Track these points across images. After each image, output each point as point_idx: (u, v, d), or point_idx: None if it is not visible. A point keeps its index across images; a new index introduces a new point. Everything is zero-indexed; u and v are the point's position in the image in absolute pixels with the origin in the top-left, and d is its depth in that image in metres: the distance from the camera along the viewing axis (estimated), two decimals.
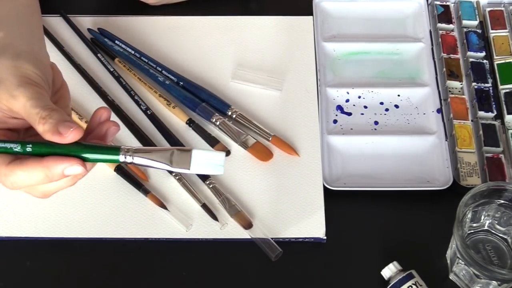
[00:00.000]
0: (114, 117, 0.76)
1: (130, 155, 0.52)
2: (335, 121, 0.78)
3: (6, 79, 0.53)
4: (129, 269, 0.69)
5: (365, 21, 0.86)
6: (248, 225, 0.69)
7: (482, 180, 0.73)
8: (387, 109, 0.79)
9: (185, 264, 0.69)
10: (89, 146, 0.52)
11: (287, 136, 0.76)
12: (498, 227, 0.68)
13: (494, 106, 0.78)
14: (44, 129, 0.51)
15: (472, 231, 0.68)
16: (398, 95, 0.80)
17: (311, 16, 0.85)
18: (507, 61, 0.81)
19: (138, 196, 0.72)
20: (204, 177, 0.73)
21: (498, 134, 0.76)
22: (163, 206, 0.71)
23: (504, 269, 0.62)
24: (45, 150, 0.51)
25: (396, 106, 0.79)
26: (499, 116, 0.77)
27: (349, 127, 0.78)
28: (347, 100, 0.79)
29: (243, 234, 0.69)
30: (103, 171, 0.73)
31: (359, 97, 0.79)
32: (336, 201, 0.72)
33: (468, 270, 0.64)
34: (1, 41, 0.57)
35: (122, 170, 0.73)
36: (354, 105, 0.79)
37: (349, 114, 0.79)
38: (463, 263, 0.64)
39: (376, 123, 0.78)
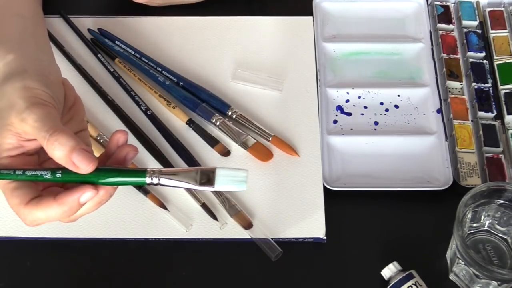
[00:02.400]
0: (114, 117, 0.76)
1: (156, 177, 0.53)
2: (335, 121, 0.78)
3: (16, 103, 0.53)
4: (129, 269, 0.69)
5: (365, 21, 0.86)
6: (248, 225, 0.69)
7: (482, 180, 0.73)
8: (387, 109, 0.79)
9: (185, 264, 0.69)
10: (116, 170, 0.53)
11: (287, 136, 0.76)
12: (498, 227, 0.68)
13: (494, 106, 0.78)
14: (54, 156, 0.51)
15: (472, 231, 0.68)
16: (398, 95, 0.80)
17: (311, 17, 0.85)
18: (507, 61, 0.81)
19: (138, 196, 0.72)
20: None
21: (498, 134, 0.76)
22: (163, 206, 0.71)
23: (504, 269, 0.62)
24: (74, 177, 0.52)
25: (396, 106, 0.79)
26: (499, 116, 0.77)
27: (349, 127, 0.78)
28: (347, 100, 0.79)
29: (243, 234, 0.69)
30: None
31: (359, 97, 0.79)
32: (336, 201, 0.72)
33: (468, 270, 0.64)
34: (11, 64, 0.57)
35: None
36: (354, 105, 0.79)
37: (349, 114, 0.79)
38: (463, 263, 0.64)
39: (376, 123, 0.78)
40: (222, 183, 0.53)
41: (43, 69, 0.58)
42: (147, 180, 0.53)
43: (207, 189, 0.53)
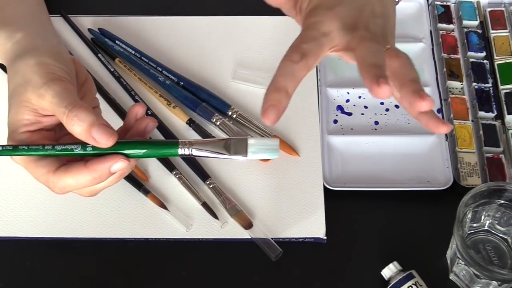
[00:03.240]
0: (114, 117, 0.76)
1: (188, 148, 0.53)
2: (335, 121, 0.78)
3: (32, 79, 0.54)
4: (129, 269, 0.69)
5: None
6: (248, 225, 0.69)
7: (482, 180, 0.73)
8: (387, 109, 0.79)
9: (185, 264, 0.69)
10: (148, 142, 0.53)
11: (287, 136, 0.76)
12: (498, 227, 0.68)
13: (494, 106, 0.78)
14: (74, 131, 0.52)
15: (472, 231, 0.68)
16: None
17: None
18: (508, 61, 0.81)
19: (138, 196, 0.72)
20: (204, 177, 0.73)
21: (498, 134, 0.76)
22: (163, 206, 0.71)
23: (504, 269, 0.62)
24: (105, 150, 0.52)
25: (397, 106, 0.79)
26: (500, 116, 0.77)
27: (349, 127, 0.78)
28: (348, 100, 0.79)
29: (243, 234, 0.69)
30: None
31: (360, 97, 0.79)
32: (336, 201, 0.72)
33: (468, 270, 0.64)
34: (22, 42, 0.58)
35: None
36: (354, 105, 0.79)
37: (350, 114, 0.79)
38: (463, 263, 0.64)
39: (376, 123, 0.78)
40: (255, 152, 0.53)
41: (54, 47, 0.58)
42: (179, 151, 0.53)
43: (239, 158, 0.53)
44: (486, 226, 0.68)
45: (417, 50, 0.83)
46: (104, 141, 0.51)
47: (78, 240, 0.70)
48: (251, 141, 0.53)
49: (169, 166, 0.73)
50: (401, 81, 0.51)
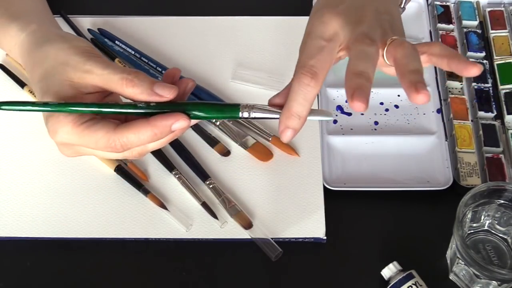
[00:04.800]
0: None
1: (248, 111, 0.54)
2: (335, 121, 0.78)
3: (70, 59, 0.55)
4: (129, 269, 0.69)
5: None
6: (248, 225, 0.69)
7: (482, 180, 0.73)
8: (387, 109, 0.79)
9: (185, 264, 0.69)
10: (209, 103, 0.55)
11: None
12: (498, 227, 0.68)
13: (494, 106, 0.78)
14: (136, 92, 0.53)
15: (472, 231, 0.68)
16: (398, 95, 0.80)
17: None
18: (507, 61, 0.81)
19: (138, 196, 0.72)
20: (204, 177, 0.73)
21: (498, 134, 0.76)
22: (163, 206, 0.71)
23: (504, 269, 0.62)
24: (167, 106, 0.54)
25: (396, 106, 0.79)
26: (499, 116, 0.77)
27: (349, 127, 0.78)
28: (347, 100, 0.79)
29: (243, 234, 0.69)
30: (103, 171, 0.73)
31: None
32: (336, 201, 0.72)
33: (468, 270, 0.64)
34: (38, 32, 0.60)
35: (122, 170, 0.73)
36: None
37: (349, 114, 0.79)
38: (463, 263, 0.64)
39: (376, 123, 0.78)
40: (310, 114, 0.54)
41: (73, 34, 0.61)
42: (241, 113, 0.54)
43: None
44: (486, 226, 0.68)
45: None
46: (167, 93, 0.53)
47: (78, 240, 0.70)
48: None
49: (169, 166, 0.73)
50: (401, 70, 0.51)
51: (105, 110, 0.54)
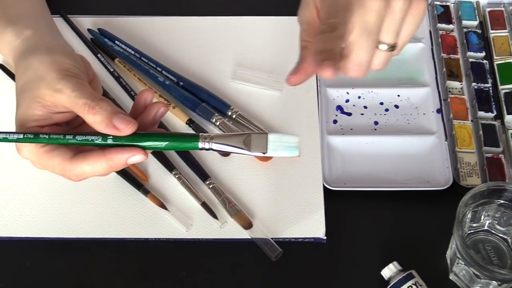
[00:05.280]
0: None
1: (208, 142, 0.53)
2: (335, 121, 0.78)
3: (47, 75, 0.55)
4: (129, 269, 0.69)
5: None
6: (248, 225, 0.69)
7: (482, 180, 0.73)
8: (387, 109, 0.79)
9: (185, 264, 0.69)
10: (168, 134, 0.54)
11: None
12: (498, 227, 0.68)
13: (494, 106, 0.78)
14: (95, 120, 0.53)
15: (472, 231, 0.68)
16: (398, 95, 0.80)
17: None
18: (507, 61, 0.81)
19: (138, 196, 0.72)
20: (204, 177, 0.73)
21: (498, 134, 0.76)
22: (163, 206, 0.71)
23: (504, 269, 0.62)
24: (125, 141, 0.53)
25: (396, 106, 0.79)
26: (499, 116, 0.77)
27: (349, 127, 0.78)
28: (347, 100, 0.79)
29: (243, 234, 0.69)
30: None
31: (359, 97, 0.79)
32: (336, 201, 0.72)
33: (468, 270, 0.64)
34: (31, 39, 0.60)
35: (122, 170, 0.73)
36: (354, 105, 0.79)
37: (349, 114, 0.79)
38: (463, 263, 0.64)
39: (376, 123, 0.78)
40: (275, 149, 0.53)
41: (64, 45, 0.60)
42: (200, 145, 0.53)
43: (258, 154, 0.53)
44: (486, 226, 0.68)
45: (416, 50, 0.83)
46: (124, 127, 0.53)
47: (78, 240, 0.70)
48: (271, 137, 0.53)
49: (169, 166, 0.73)
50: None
51: (55, 142, 0.54)
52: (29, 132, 0.54)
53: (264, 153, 0.53)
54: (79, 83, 0.55)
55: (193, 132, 0.76)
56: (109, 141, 0.53)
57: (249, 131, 0.54)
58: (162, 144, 0.54)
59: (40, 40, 0.60)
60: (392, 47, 0.54)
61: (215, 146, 0.54)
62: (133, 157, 0.53)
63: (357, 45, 0.52)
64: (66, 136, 0.54)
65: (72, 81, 0.54)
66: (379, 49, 0.54)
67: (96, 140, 0.53)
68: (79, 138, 0.54)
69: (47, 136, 0.54)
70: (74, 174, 0.54)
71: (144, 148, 0.54)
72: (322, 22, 0.53)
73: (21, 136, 0.54)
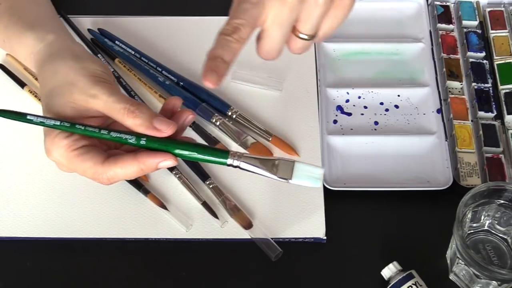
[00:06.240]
0: None
1: (237, 160, 0.54)
2: (335, 121, 0.78)
3: (78, 81, 0.56)
4: (129, 269, 0.69)
5: (365, 22, 0.86)
6: (248, 225, 0.69)
7: (482, 180, 0.73)
8: (387, 109, 0.79)
9: (185, 264, 0.69)
10: (199, 145, 0.55)
11: (287, 136, 0.76)
12: (498, 227, 0.68)
13: (494, 106, 0.78)
14: (135, 123, 0.54)
15: (472, 231, 0.68)
16: (398, 95, 0.80)
17: None
18: (507, 61, 0.81)
19: (138, 196, 0.72)
20: (204, 177, 0.73)
21: (498, 134, 0.76)
22: (163, 206, 0.71)
23: (504, 269, 0.62)
24: (158, 145, 0.54)
25: (396, 106, 0.79)
26: (499, 116, 0.77)
27: (349, 127, 0.78)
28: (347, 100, 0.79)
29: (243, 234, 0.69)
30: None
31: (359, 97, 0.79)
32: (336, 201, 0.72)
33: (468, 270, 0.64)
34: (55, 44, 0.61)
35: None
36: (354, 105, 0.79)
37: (349, 114, 0.79)
38: (463, 263, 0.64)
39: (376, 123, 0.78)
40: (299, 177, 0.54)
41: (86, 50, 0.61)
42: (229, 161, 0.54)
43: (283, 181, 0.54)
44: (486, 226, 0.68)
45: (416, 50, 0.83)
46: (166, 128, 0.54)
47: (78, 240, 0.70)
48: (297, 167, 0.55)
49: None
50: None
51: (89, 134, 0.55)
52: (66, 121, 0.54)
53: (288, 180, 0.54)
54: (112, 88, 0.56)
55: (194, 131, 0.76)
56: (142, 142, 0.54)
57: (277, 157, 0.55)
58: (192, 154, 0.55)
59: (63, 45, 0.61)
60: (312, 37, 0.55)
61: (243, 165, 0.55)
62: (164, 162, 0.54)
63: (267, 34, 0.54)
64: (101, 130, 0.55)
65: (105, 87, 0.56)
66: (299, 37, 0.55)
67: (130, 139, 0.54)
68: (113, 134, 0.54)
69: (82, 127, 0.54)
70: (106, 177, 0.55)
71: (174, 154, 0.55)
72: (227, 22, 0.53)
73: (58, 122, 0.54)
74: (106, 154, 0.56)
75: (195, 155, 0.55)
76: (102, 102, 0.55)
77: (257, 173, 0.55)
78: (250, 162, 0.55)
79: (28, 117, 0.55)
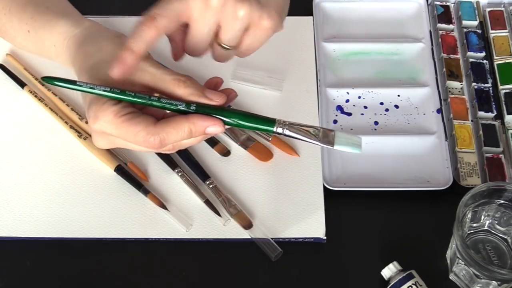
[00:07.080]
0: None
1: (282, 127, 0.55)
2: (335, 121, 0.78)
3: None
4: (129, 269, 0.69)
5: (365, 22, 0.86)
6: (248, 225, 0.69)
7: (482, 180, 0.73)
8: (387, 109, 0.79)
9: (185, 264, 0.69)
10: (246, 113, 0.56)
11: None
12: (498, 227, 0.68)
13: (494, 106, 0.78)
14: (187, 92, 0.55)
15: (472, 231, 0.68)
16: (398, 95, 0.80)
17: (311, 17, 0.85)
18: (507, 61, 0.81)
19: (138, 196, 0.72)
20: (204, 177, 0.73)
21: (498, 134, 0.76)
22: (163, 206, 0.71)
23: (504, 269, 0.62)
24: (208, 111, 0.55)
25: (396, 106, 0.79)
26: (499, 116, 0.77)
27: (349, 127, 0.78)
28: (347, 100, 0.79)
29: (243, 234, 0.69)
30: (103, 171, 0.73)
31: (359, 97, 0.80)
32: (336, 201, 0.72)
33: (468, 270, 0.64)
34: (93, 28, 0.63)
35: (122, 170, 0.73)
36: (354, 105, 0.79)
37: (349, 114, 0.79)
38: (463, 263, 0.64)
39: (376, 123, 0.78)
40: (341, 143, 0.55)
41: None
42: (275, 128, 0.55)
43: (326, 146, 0.55)
44: (486, 226, 0.68)
45: (416, 50, 0.83)
46: (217, 98, 0.55)
47: (78, 240, 0.70)
48: (338, 134, 0.56)
49: (172, 164, 0.73)
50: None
51: (139, 101, 0.55)
52: (116, 88, 0.54)
53: (331, 146, 0.55)
54: (156, 63, 0.57)
55: None
56: (193, 108, 0.55)
57: (319, 126, 0.57)
58: (240, 121, 0.55)
59: (102, 28, 0.63)
60: (233, 48, 0.58)
61: (287, 132, 0.55)
62: (213, 127, 0.54)
63: (190, 31, 0.57)
64: (151, 97, 0.55)
65: (152, 61, 0.57)
66: (220, 44, 0.58)
67: (180, 106, 0.54)
68: (163, 101, 0.55)
69: (133, 94, 0.54)
70: (159, 139, 0.54)
71: (223, 121, 0.55)
72: (148, 11, 0.55)
73: (108, 89, 0.54)
74: (154, 120, 0.55)
75: (243, 122, 0.55)
76: (150, 75, 0.56)
77: (302, 139, 0.55)
78: (295, 131, 0.55)
79: (78, 83, 0.55)
